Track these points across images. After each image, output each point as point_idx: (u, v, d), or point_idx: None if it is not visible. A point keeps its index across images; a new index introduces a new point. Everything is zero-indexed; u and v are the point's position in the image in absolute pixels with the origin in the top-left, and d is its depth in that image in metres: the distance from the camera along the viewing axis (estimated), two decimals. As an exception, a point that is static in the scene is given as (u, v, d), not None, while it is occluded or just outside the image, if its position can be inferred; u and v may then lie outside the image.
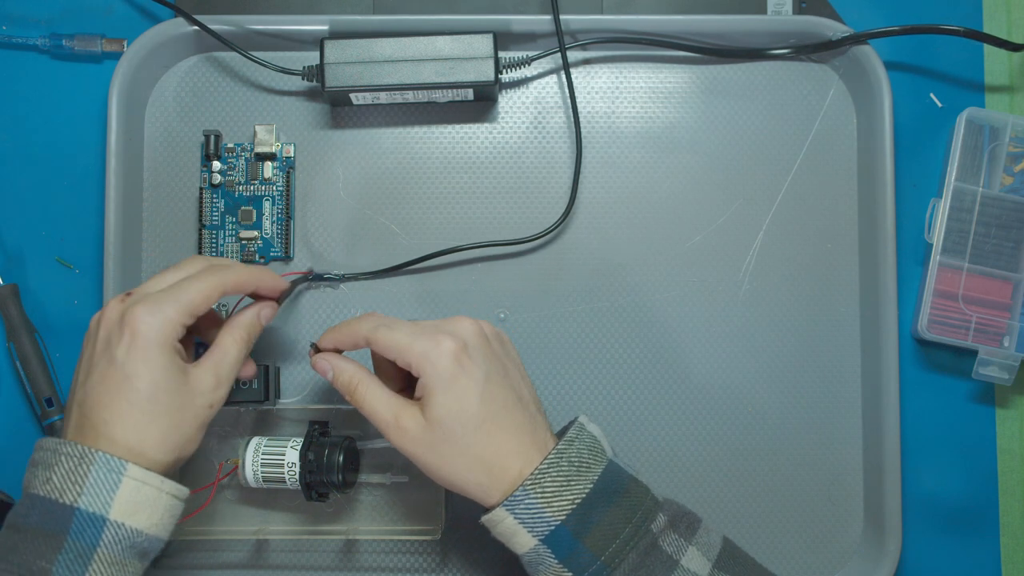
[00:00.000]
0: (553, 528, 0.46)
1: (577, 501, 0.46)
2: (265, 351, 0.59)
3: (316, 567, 0.59)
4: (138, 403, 0.45)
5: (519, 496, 0.46)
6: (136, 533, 0.44)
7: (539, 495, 0.46)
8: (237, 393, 0.55)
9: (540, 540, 0.47)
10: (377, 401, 0.49)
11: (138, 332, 0.45)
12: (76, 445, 0.44)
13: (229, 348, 0.50)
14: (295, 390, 0.59)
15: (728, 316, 0.61)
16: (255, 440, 0.55)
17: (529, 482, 0.46)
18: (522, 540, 0.47)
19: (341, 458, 0.53)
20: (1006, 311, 0.59)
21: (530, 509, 0.46)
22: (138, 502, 0.44)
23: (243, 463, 0.54)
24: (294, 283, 0.57)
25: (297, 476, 0.53)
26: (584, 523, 0.46)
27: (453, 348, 0.47)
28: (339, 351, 0.53)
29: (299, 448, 0.54)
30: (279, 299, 0.53)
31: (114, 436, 0.45)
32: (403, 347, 0.48)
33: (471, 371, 0.47)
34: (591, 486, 0.47)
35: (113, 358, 0.45)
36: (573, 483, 0.47)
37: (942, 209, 0.59)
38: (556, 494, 0.46)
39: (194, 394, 0.47)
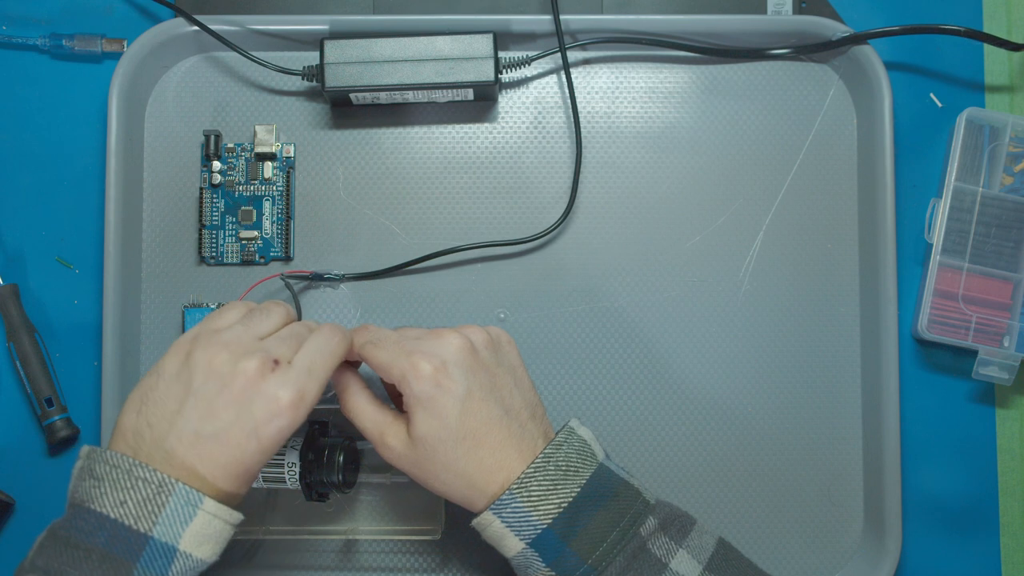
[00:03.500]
0: (540, 532, 0.46)
1: (564, 505, 0.47)
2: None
3: (316, 567, 0.59)
4: (253, 471, 0.46)
5: (505, 500, 0.47)
6: (200, 563, 0.44)
7: (525, 499, 0.46)
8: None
9: (527, 544, 0.47)
10: (365, 416, 0.50)
11: (285, 415, 0.45)
12: (155, 472, 0.43)
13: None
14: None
15: (728, 316, 0.61)
16: (255, 440, 0.55)
17: (515, 486, 0.47)
18: (510, 544, 0.47)
19: (341, 458, 0.53)
20: (1006, 311, 0.59)
21: (517, 513, 0.47)
22: (207, 534, 0.44)
23: (243, 463, 0.54)
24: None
25: (297, 476, 0.53)
26: (571, 527, 0.46)
27: (429, 371, 0.47)
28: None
29: (299, 448, 0.54)
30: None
31: (214, 484, 0.45)
32: (385, 367, 0.49)
33: (450, 390, 0.47)
34: (578, 490, 0.47)
35: (251, 430, 0.45)
36: (560, 487, 0.47)
37: (942, 209, 0.59)
38: (542, 498, 0.47)
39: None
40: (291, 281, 0.59)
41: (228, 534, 0.46)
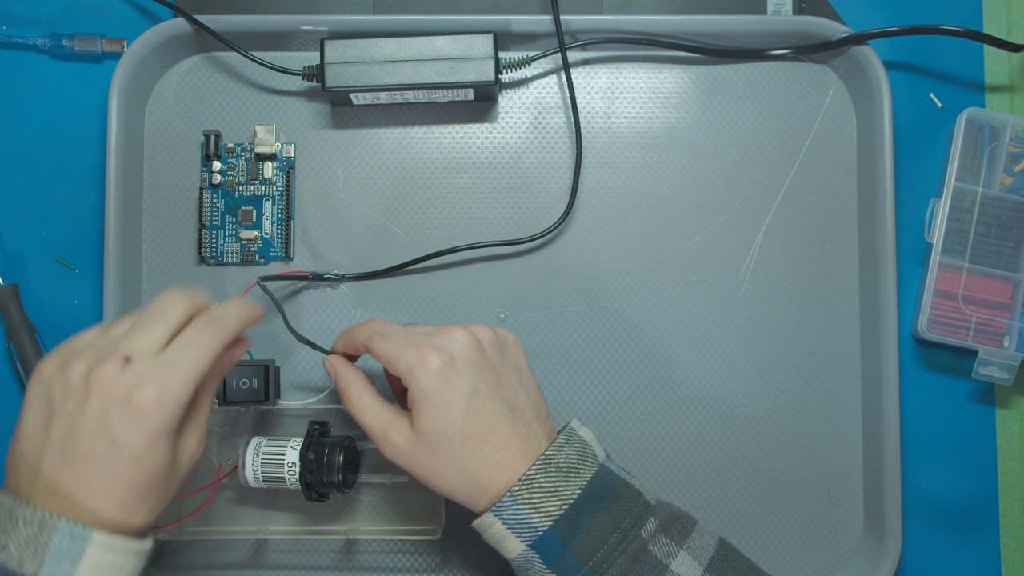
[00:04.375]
0: (541, 534, 0.46)
1: (565, 507, 0.46)
2: (265, 351, 0.59)
3: (316, 567, 0.59)
4: (135, 486, 0.42)
5: (506, 502, 0.47)
6: None
7: (526, 501, 0.46)
8: (237, 393, 0.55)
9: (528, 546, 0.47)
10: (368, 412, 0.50)
11: (146, 418, 0.42)
12: (36, 510, 0.41)
13: (205, 403, 0.47)
14: (295, 390, 0.59)
15: (728, 316, 0.61)
16: (255, 440, 0.55)
17: (516, 488, 0.47)
18: (510, 545, 0.47)
19: (341, 458, 0.53)
20: (1006, 311, 0.59)
21: (517, 515, 0.46)
22: (102, 568, 0.41)
23: (243, 463, 0.54)
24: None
25: (297, 476, 0.53)
26: (572, 528, 0.46)
27: (438, 364, 0.47)
28: (349, 355, 0.53)
29: (299, 448, 0.54)
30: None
31: (98, 512, 0.42)
32: (392, 359, 0.48)
33: (457, 386, 0.47)
34: (579, 492, 0.47)
35: (113, 439, 0.41)
36: (561, 489, 0.47)
37: (942, 209, 0.59)
38: (544, 500, 0.46)
39: (181, 461, 0.45)
40: (270, 284, 0.58)
41: (132, 565, 0.43)
